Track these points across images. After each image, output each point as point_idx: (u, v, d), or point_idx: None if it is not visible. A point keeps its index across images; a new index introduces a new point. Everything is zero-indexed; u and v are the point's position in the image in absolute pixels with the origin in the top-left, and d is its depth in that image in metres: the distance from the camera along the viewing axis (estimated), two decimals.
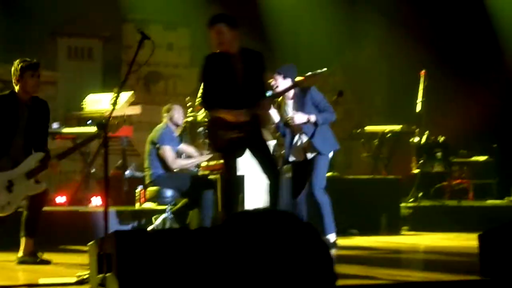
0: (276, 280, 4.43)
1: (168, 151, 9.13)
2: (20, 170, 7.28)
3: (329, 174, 10.76)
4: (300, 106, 8.24)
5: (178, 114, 9.39)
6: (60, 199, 10.70)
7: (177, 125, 9.40)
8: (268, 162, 7.41)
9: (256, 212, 5.52)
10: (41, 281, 5.53)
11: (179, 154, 9.44)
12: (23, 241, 7.22)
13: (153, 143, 9.20)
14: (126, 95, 10.22)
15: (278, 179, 7.44)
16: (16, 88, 7.37)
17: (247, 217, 4.74)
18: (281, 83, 8.18)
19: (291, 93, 8.27)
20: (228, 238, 4.50)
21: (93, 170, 10.71)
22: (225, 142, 7.30)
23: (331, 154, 8.43)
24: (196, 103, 9.79)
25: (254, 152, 7.42)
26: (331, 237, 8.29)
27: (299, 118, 8.22)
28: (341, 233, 9.59)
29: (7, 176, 7.23)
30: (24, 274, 6.61)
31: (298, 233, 4.53)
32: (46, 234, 7.87)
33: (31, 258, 7.14)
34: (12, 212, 7.32)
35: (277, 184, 7.40)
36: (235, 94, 7.28)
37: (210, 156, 9.33)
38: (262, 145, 7.45)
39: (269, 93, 7.92)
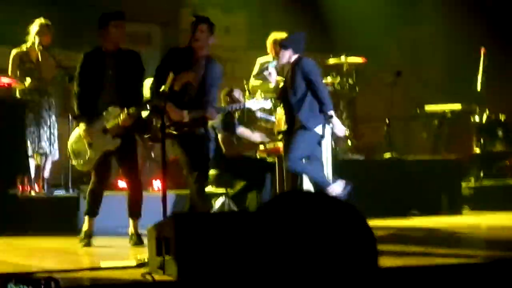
0: (322, 261, 4.41)
1: (225, 136, 9.16)
2: (98, 125, 7.30)
3: (387, 155, 10.72)
4: (290, 81, 8.02)
5: (238, 98, 9.39)
6: (122, 183, 10.82)
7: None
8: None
9: (304, 193, 5.51)
10: (103, 264, 5.60)
11: (237, 138, 9.47)
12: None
13: (212, 127, 9.23)
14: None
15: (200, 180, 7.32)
16: (102, 41, 7.31)
17: (296, 197, 4.73)
18: (283, 54, 8.04)
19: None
20: (276, 217, 4.51)
21: (153, 155, 10.79)
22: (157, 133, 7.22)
23: (319, 131, 8.06)
24: (251, 87, 9.80)
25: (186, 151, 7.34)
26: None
27: (340, 130, 8.06)
28: (402, 214, 9.54)
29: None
30: (86, 258, 6.72)
31: (344, 215, 4.51)
32: (108, 217, 7.97)
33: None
34: (90, 168, 7.36)
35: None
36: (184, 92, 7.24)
37: (270, 139, 9.34)
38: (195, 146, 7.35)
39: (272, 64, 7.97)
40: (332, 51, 11.23)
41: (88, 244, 7.27)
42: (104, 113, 7.29)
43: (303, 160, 7.97)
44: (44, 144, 9.38)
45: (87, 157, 7.36)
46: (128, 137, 7.35)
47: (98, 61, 7.29)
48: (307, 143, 7.88)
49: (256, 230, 4.54)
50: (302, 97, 7.92)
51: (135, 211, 7.42)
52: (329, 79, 10.51)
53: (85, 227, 7.42)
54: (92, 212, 7.45)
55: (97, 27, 7.34)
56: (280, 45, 8.14)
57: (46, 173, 9.57)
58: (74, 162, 7.54)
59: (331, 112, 7.91)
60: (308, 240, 4.35)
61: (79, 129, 7.37)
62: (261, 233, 4.63)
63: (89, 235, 7.35)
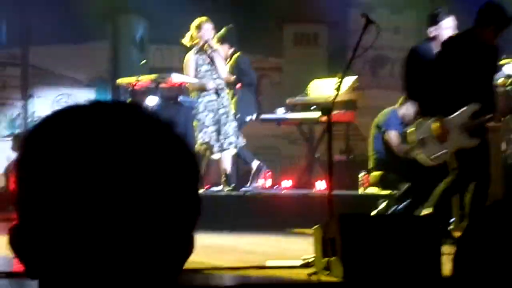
0: None
1: (393, 136, 9.04)
2: (457, 119, 7.06)
3: None
4: None
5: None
6: (286, 183, 10.90)
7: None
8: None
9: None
10: (269, 263, 5.64)
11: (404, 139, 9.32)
12: None
13: (379, 127, 9.13)
14: (349, 80, 10.21)
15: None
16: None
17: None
18: None
19: None
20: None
21: (317, 155, 10.81)
22: None
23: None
24: None
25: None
26: None
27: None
28: None
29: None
30: (252, 256, 6.79)
31: None
32: (272, 216, 8.05)
33: None
34: (440, 162, 7.20)
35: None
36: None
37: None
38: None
39: None
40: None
41: None
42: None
43: None
44: (215, 141, 9.53)
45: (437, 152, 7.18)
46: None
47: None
48: None
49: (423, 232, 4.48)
50: None
51: None
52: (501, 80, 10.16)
53: None
54: None
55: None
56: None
57: (221, 171, 9.67)
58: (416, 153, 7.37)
59: None
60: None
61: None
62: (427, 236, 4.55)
63: None
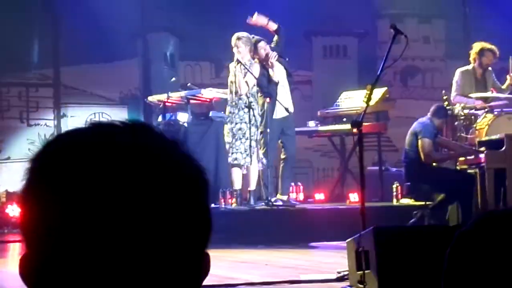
0: None
1: (427, 144, 8.98)
2: None
3: None
4: None
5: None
6: (319, 196, 10.88)
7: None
8: None
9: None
10: (302, 277, 5.63)
11: (437, 148, 9.27)
12: None
13: (415, 134, 9.07)
14: (380, 91, 10.18)
15: None
16: None
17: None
18: None
19: None
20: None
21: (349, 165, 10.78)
22: None
23: None
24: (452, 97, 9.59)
25: None
26: None
27: None
28: None
29: None
30: (286, 270, 6.77)
31: None
32: (306, 230, 8.02)
33: None
34: None
35: None
36: None
37: (471, 150, 9.07)
38: None
39: None
40: None
41: None
42: None
43: None
44: (241, 155, 9.47)
45: None
46: None
47: None
48: None
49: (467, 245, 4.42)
50: None
51: None
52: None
53: None
54: None
55: None
56: None
57: (251, 185, 9.62)
58: None
59: None
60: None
61: None
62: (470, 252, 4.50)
63: None
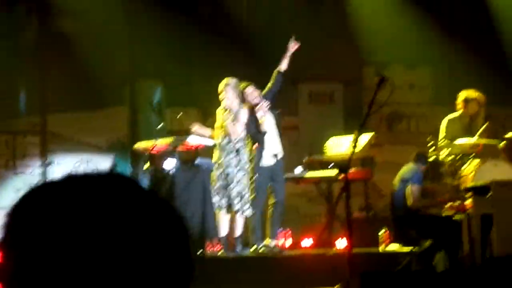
0: None
1: (416, 190, 9.02)
2: None
3: None
4: None
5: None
6: (306, 242, 10.85)
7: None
8: None
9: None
10: None
11: (424, 193, 9.31)
12: None
13: (403, 180, 9.11)
14: (367, 137, 10.23)
15: None
16: None
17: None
18: None
19: None
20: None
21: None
22: None
23: None
24: (439, 144, 9.63)
25: None
26: None
27: None
28: None
29: None
30: None
31: None
32: (293, 276, 7.99)
33: None
34: None
35: None
36: None
37: (458, 196, 9.11)
38: None
39: None
40: None
41: None
42: None
43: None
44: (231, 200, 9.46)
45: None
46: None
47: None
48: None
49: None
50: None
51: None
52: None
53: None
54: None
55: None
56: None
57: (238, 231, 9.59)
58: None
59: None
60: None
61: None
62: None
63: None
